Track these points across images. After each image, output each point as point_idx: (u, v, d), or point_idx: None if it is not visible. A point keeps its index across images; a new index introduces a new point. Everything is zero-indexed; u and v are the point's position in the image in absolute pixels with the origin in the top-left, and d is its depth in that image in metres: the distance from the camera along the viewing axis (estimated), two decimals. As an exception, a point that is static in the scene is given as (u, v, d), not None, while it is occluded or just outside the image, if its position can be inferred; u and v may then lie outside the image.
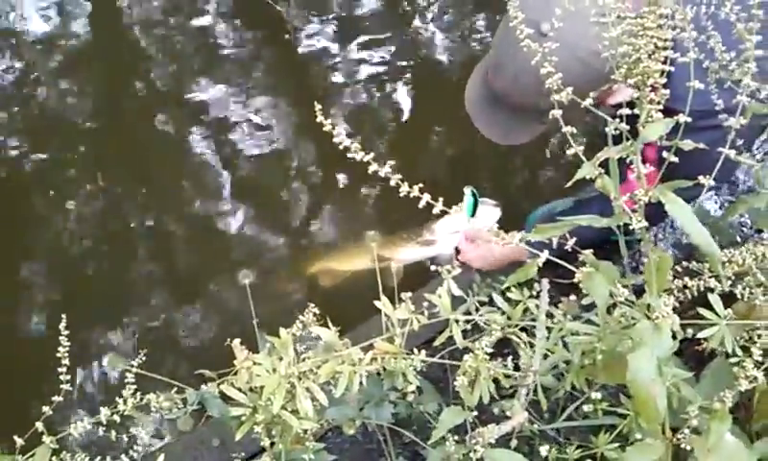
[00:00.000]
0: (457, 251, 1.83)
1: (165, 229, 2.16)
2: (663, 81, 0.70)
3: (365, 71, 2.50)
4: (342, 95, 2.42)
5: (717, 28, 0.94)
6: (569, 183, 0.79)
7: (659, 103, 0.71)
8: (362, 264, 1.97)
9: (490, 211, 1.78)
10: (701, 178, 0.77)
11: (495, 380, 0.98)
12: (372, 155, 0.80)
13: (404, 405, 1.16)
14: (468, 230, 1.76)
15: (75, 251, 2.13)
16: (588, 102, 0.77)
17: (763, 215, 1.29)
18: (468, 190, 1.51)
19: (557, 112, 0.77)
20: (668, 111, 0.76)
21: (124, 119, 2.43)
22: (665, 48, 0.69)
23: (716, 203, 1.96)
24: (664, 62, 0.71)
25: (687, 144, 0.72)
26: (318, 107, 0.80)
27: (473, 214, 1.59)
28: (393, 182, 0.80)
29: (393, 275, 1.79)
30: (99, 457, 0.98)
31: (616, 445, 0.90)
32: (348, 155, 0.80)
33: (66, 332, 1.03)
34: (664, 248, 1.83)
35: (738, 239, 1.54)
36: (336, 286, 1.96)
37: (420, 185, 0.81)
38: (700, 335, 0.82)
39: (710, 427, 0.77)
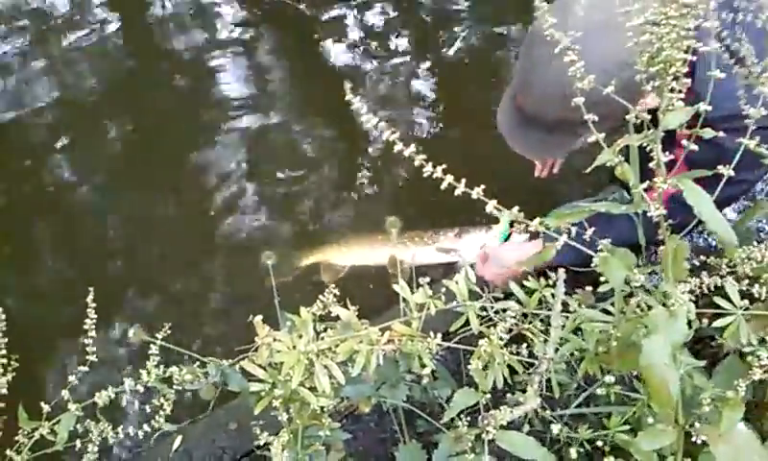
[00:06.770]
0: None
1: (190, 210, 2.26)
2: (685, 70, 0.72)
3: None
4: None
5: (749, 36, 0.93)
6: (589, 169, 0.80)
7: (680, 91, 0.72)
8: (368, 260, 1.91)
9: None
10: (720, 168, 0.78)
11: (510, 369, 0.99)
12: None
13: (418, 390, 1.17)
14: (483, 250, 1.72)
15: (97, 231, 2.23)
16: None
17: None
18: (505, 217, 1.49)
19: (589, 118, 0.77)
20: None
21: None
22: (688, 38, 0.70)
23: (734, 211, 1.97)
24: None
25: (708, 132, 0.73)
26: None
27: (505, 241, 1.56)
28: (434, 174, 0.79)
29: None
30: (121, 426, 1.01)
31: (628, 427, 0.91)
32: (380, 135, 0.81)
33: (93, 305, 1.06)
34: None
35: (755, 244, 1.55)
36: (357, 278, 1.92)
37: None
38: (715, 324, 0.83)
39: (723, 414, 0.78)
